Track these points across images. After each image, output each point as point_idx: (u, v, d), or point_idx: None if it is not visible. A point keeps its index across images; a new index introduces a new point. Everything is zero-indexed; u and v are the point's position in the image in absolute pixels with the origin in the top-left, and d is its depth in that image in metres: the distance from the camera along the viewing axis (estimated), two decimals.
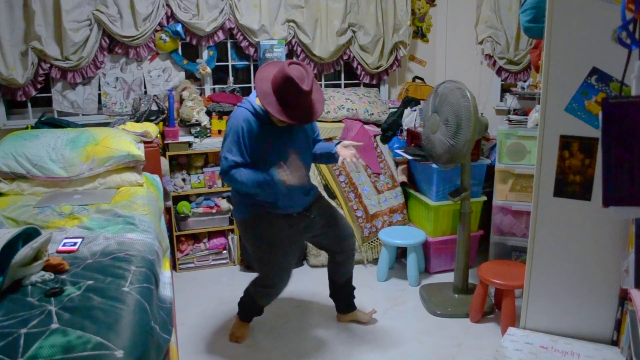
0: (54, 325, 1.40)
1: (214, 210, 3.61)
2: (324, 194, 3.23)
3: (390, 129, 3.88)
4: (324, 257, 3.42)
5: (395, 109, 4.00)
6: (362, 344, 2.69)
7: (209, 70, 3.79)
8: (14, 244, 1.61)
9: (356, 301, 2.85)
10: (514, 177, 3.19)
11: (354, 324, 2.86)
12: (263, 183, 2.23)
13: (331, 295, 2.85)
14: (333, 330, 2.81)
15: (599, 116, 1.81)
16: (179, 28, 3.59)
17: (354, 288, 2.84)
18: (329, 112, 3.83)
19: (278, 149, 2.29)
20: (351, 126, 3.84)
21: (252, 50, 3.82)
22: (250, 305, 2.70)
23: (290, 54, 4.01)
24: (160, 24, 3.56)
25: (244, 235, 2.53)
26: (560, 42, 1.90)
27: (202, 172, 3.61)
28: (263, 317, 2.93)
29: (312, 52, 3.93)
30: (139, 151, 2.89)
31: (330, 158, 2.50)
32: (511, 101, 3.70)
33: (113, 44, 3.51)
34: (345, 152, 2.42)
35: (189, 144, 3.51)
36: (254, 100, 2.32)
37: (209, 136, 3.58)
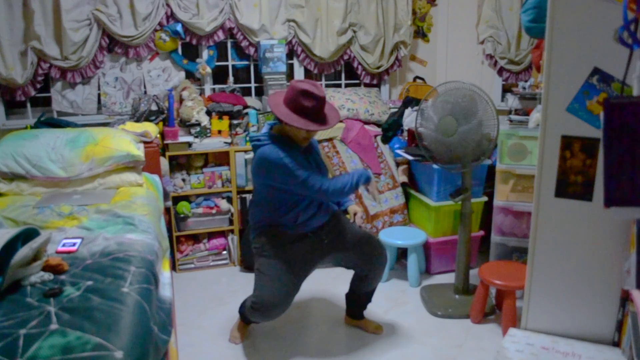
0: (53, 326, 1.40)
1: (213, 211, 3.61)
2: None
3: (390, 129, 3.88)
4: None
5: (395, 109, 4.00)
6: (363, 344, 2.69)
7: (208, 70, 3.79)
8: (13, 245, 1.61)
9: None
10: (515, 177, 3.19)
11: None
12: (351, 183, 2.42)
13: (347, 297, 2.84)
14: (333, 331, 2.81)
15: (601, 116, 1.81)
16: (179, 28, 3.59)
17: (371, 299, 2.81)
18: None
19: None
20: (351, 126, 3.84)
21: (252, 50, 3.82)
22: (246, 315, 2.66)
23: (290, 54, 4.01)
24: (160, 24, 3.56)
25: (255, 254, 2.55)
26: (562, 42, 1.90)
27: (202, 173, 3.61)
28: None
29: (312, 52, 3.93)
30: (138, 151, 2.88)
31: (338, 204, 2.69)
32: (512, 101, 3.70)
33: (113, 44, 3.52)
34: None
35: (189, 144, 3.51)
36: (266, 132, 2.40)
37: (209, 136, 3.58)
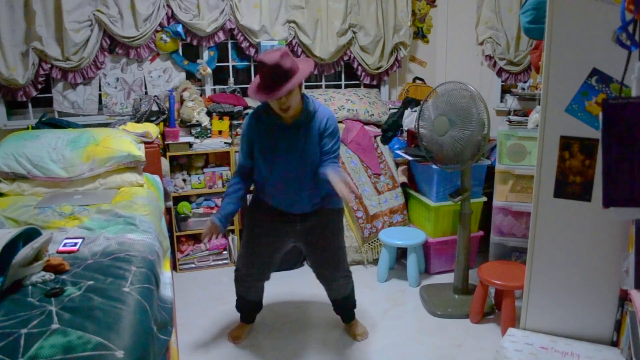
0: (55, 326, 1.40)
1: (214, 211, 3.61)
2: None
3: (390, 129, 3.88)
4: None
5: (395, 110, 4.00)
6: (362, 344, 2.69)
7: (209, 70, 3.79)
8: (14, 244, 1.61)
9: (357, 302, 2.84)
10: (514, 177, 3.19)
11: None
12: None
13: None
14: (333, 331, 2.81)
15: (599, 117, 1.81)
16: (180, 29, 3.59)
17: (348, 306, 2.77)
18: None
19: (267, 149, 2.33)
20: (351, 127, 3.84)
21: (252, 51, 3.82)
22: (237, 298, 2.73)
23: None
24: (160, 25, 3.56)
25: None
26: (561, 43, 1.90)
27: (203, 173, 3.61)
28: (263, 317, 2.93)
29: (312, 53, 3.93)
30: (139, 152, 2.89)
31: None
32: (511, 102, 3.70)
33: (114, 45, 3.52)
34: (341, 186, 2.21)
35: (190, 145, 3.51)
36: (252, 112, 2.43)
37: (210, 137, 3.58)
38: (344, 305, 2.76)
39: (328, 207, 2.48)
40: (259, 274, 2.60)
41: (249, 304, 2.74)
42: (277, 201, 2.42)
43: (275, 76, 2.13)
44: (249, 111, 2.39)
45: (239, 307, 2.77)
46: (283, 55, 2.15)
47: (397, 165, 3.81)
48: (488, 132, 2.74)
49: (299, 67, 2.21)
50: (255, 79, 2.27)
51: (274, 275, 3.48)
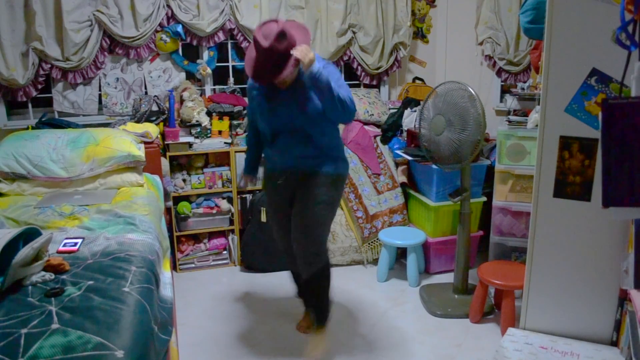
0: (55, 326, 1.40)
1: (214, 211, 3.61)
2: None
3: (390, 129, 3.88)
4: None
5: (395, 110, 4.00)
6: (362, 343, 2.69)
7: (209, 70, 3.79)
8: (14, 244, 1.61)
9: (356, 301, 2.84)
10: (513, 177, 3.19)
11: (355, 324, 2.86)
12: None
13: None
14: (334, 330, 2.81)
15: (599, 117, 1.82)
16: (180, 29, 3.59)
17: (314, 294, 2.54)
18: None
19: (265, 108, 2.36)
20: (351, 127, 3.84)
21: None
22: (293, 281, 2.80)
23: None
24: (160, 25, 3.56)
25: None
26: (560, 43, 1.90)
27: (203, 173, 3.61)
28: (263, 317, 2.93)
29: None
30: (139, 151, 2.88)
31: (322, 91, 2.20)
32: (511, 102, 3.70)
33: (113, 45, 3.51)
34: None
35: (190, 145, 3.51)
36: None
37: (210, 137, 3.58)
38: (311, 292, 2.55)
39: (325, 171, 2.39)
40: (285, 237, 2.60)
41: (296, 277, 2.74)
42: (281, 160, 2.44)
43: (270, 60, 2.09)
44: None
45: (298, 290, 2.79)
46: (279, 35, 2.06)
47: (397, 165, 3.81)
48: (484, 131, 2.74)
49: (295, 43, 2.13)
50: (250, 51, 2.21)
51: (276, 275, 3.50)
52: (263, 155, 2.65)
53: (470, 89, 2.75)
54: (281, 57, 2.09)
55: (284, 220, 2.54)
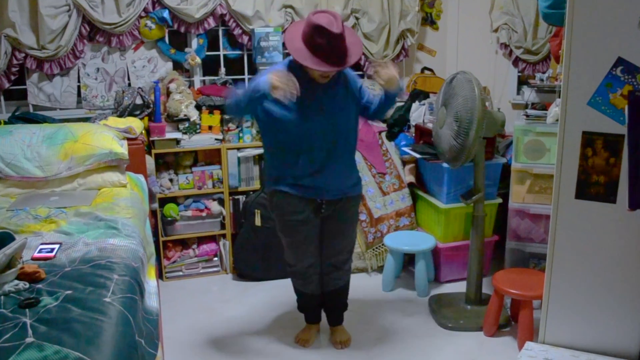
0: (29, 339, 1.40)
1: (204, 214, 3.62)
2: None
3: (396, 124, 3.89)
4: None
5: (402, 103, 4.00)
6: (367, 358, 2.69)
7: (198, 60, 3.79)
8: None
9: (360, 313, 2.86)
10: (532, 177, 3.20)
11: (358, 338, 2.86)
12: (252, 88, 2.32)
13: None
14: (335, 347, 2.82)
15: (625, 111, 1.82)
16: (166, 14, 3.59)
17: (341, 303, 2.85)
18: None
19: (305, 106, 2.37)
20: None
21: (245, 39, 3.82)
22: (298, 296, 2.83)
23: None
24: (145, 10, 3.56)
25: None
26: (583, 29, 1.90)
27: (191, 172, 3.61)
28: (257, 330, 2.94)
29: None
30: (121, 149, 2.89)
31: (387, 99, 2.55)
32: (529, 94, 3.70)
33: (94, 32, 3.52)
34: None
35: (177, 141, 3.52)
36: (287, 62, 2.46)
37: (199, 132, 3.59)
38: (338, 301, 2.81)
39: (352, 194, 2.61)
40: (313, 263, 2.67)
41: (310, 299, 2.79)
42: (325, 186, 2.48)
43: (336, 48, 2.26)
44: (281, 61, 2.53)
45: (301, 306, 2.85)
46: (343, 23, 2.28)
47: (404, 163, 3.81)
48: (481, 126, 2.71)
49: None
50: (296, 38, 2.32)
51: (271, 284, 3.50)
52: (274, 174, 2.58)
53: (472, 79, 2.73)
54: (345, 46, 2.30)
55: (313, 247, 2.63)
